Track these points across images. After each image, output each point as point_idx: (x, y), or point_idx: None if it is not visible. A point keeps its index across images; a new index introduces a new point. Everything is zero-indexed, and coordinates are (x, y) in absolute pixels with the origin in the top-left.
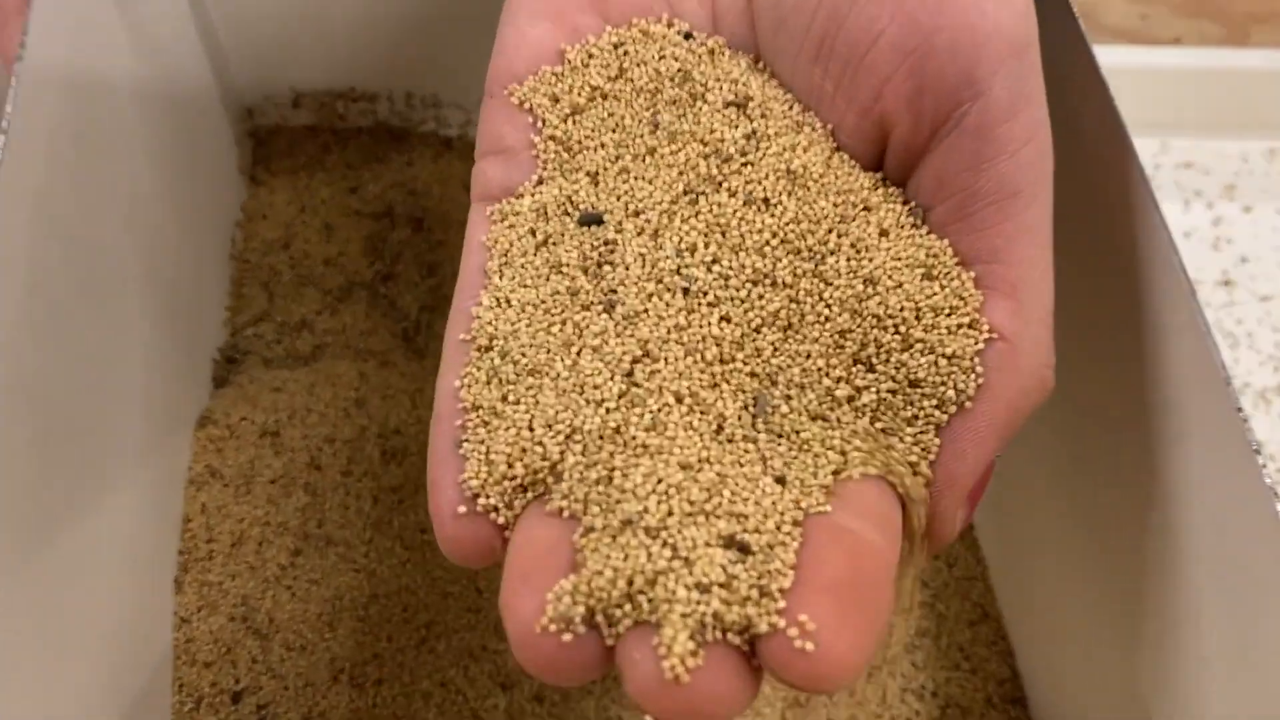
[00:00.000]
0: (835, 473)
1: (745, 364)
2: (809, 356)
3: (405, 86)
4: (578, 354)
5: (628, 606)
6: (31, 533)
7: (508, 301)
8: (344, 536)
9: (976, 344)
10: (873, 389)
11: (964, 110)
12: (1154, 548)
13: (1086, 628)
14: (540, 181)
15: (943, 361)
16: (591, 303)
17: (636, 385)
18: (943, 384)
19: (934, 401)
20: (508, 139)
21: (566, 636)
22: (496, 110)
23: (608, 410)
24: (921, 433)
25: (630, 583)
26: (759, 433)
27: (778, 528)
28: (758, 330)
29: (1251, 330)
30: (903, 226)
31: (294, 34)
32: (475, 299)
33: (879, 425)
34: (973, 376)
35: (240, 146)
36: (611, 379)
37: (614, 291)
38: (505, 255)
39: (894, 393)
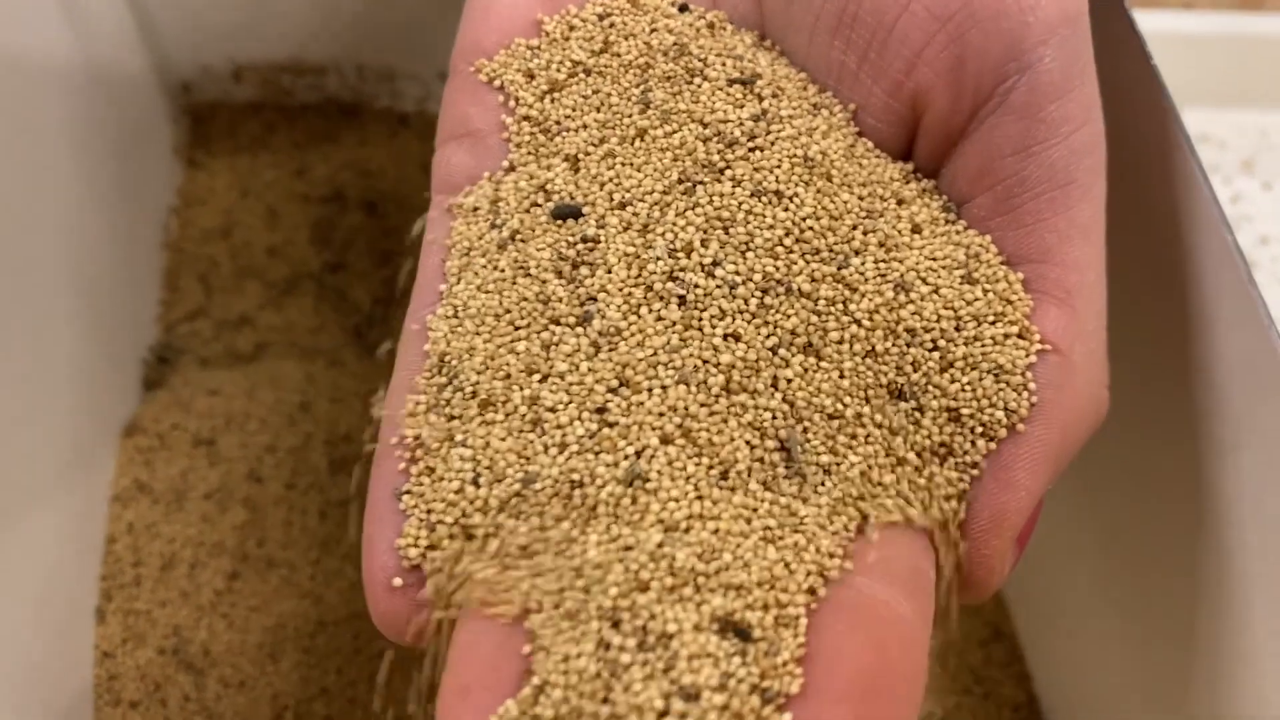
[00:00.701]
0: (863, 520)
1: (759, 395)
2: (835, 382)
3: (357, 58)
4: (541, 380)
5: None
6: None
7: (465, 311)
8: (287, 557)
9: (1028, 356)
10: (908, 420)
11: (1010, 85)
12: (1208, 568)
13: (1118, 651)
14: (511, 169)
15: (989, 380)
16: (563, 315)
17: (610, 424)
18: (990, 405)
19: (979, 428)
20: (474, 121)
21: None
22: (462, 88)
23: (569, 456)
24: (961, 466)
25: (592, 695)
26: (780, 479)
27: (785, 603)
28: (773, 351)
29: (1275, 315)
30: (938, 222)
31: (230, 6)
32: (431, 308)
33: (911, 459)
34: (1025, 395)
35: (175, 125)
36: (578, 416)
37: (592, 300)
38: (466, 256)
39: (934, 421)
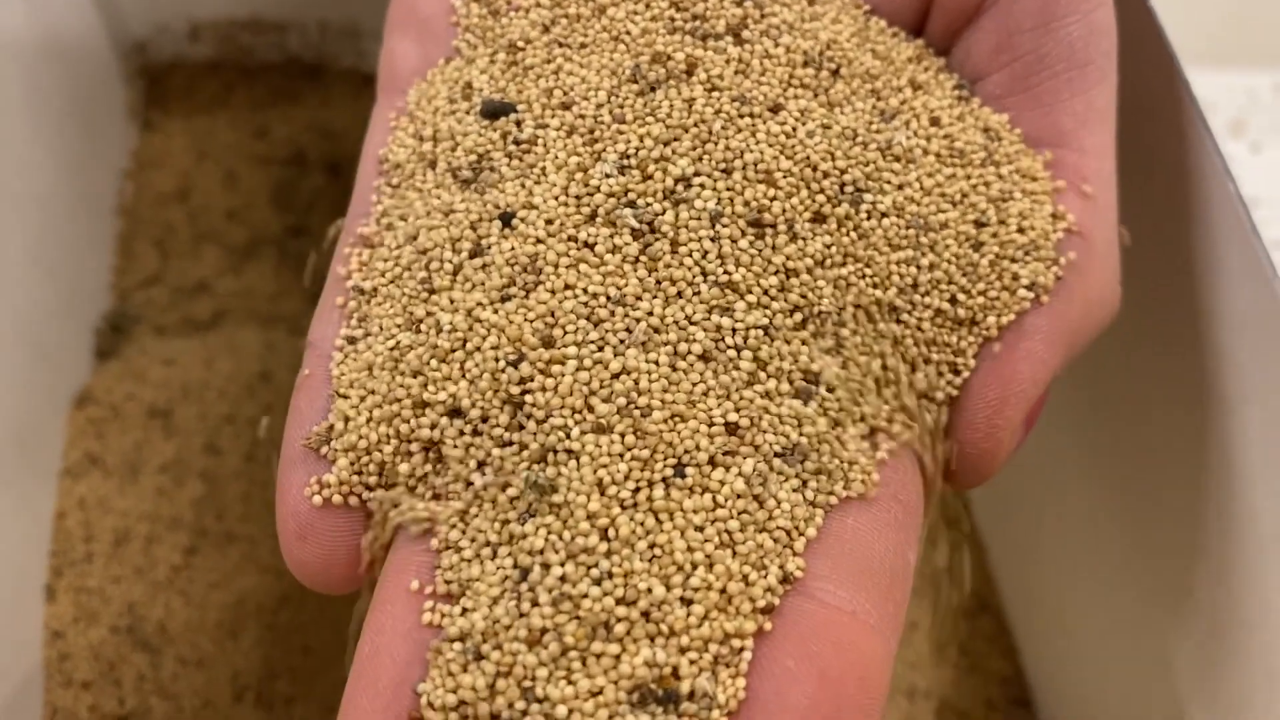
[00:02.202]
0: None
1: (739, 369)
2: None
3: (319, 15)
4: (437, 333)
5: None
6: None
7: (379, 240)
8: (247, 531)
9: (1056, 231)
10: (911, 313)
11: None
12: (1207, 534)
13: (1106, 621)
14: (453, 60)
15: (1015, 251)
16: (469, 239)
17: (518, 404)
18: (1014, 270)
19: (1001, 295)
20: (422, 7)
21: None
22: None
23: (470, 446)
24: (967, 342)
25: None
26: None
27: (731, 634)
28: (770, 324)
29: None
30: (955, 108)
31: None
32: (355, 239)
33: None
34: (1053, 269)
35: (130, 86)
36: (480, 378)
37: (509, 218)
38: (396, 165)
39: (959, 295)
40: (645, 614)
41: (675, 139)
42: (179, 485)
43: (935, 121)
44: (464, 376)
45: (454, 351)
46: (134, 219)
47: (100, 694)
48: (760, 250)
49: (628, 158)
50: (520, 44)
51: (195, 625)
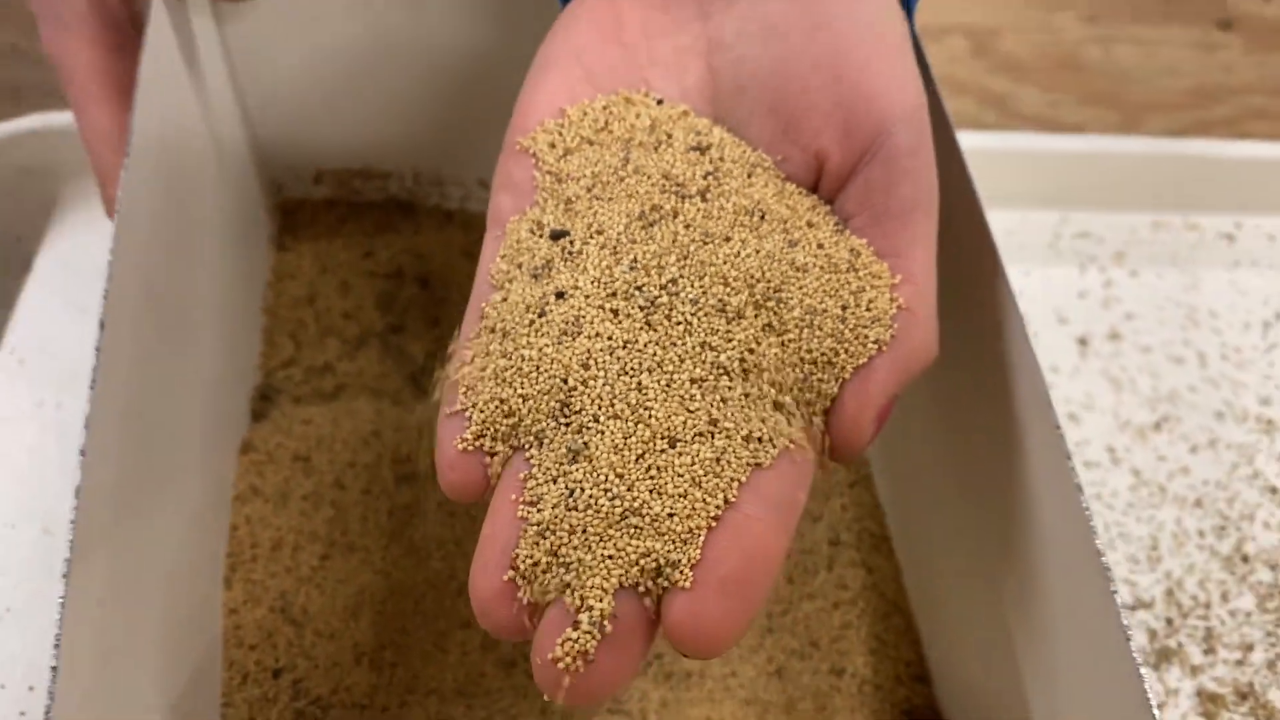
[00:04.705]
0: (770, 437)
1: (707, 384)
2: (776, 354)
3: (413, 166)
4: (525, 349)
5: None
6: (121, 526)
7: (499, 301)
8: (365, 543)
9: (892, 308)
10: (805, 360)
11: (878, 147)
12: (1020, 517)
13: (971, 606)
14: (533, 208)
15: (867, 320)
16: (537, 303)
17: (569, 396)
18: (867, 332)
19: (859, 347)
20: (515, 176)
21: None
22: (510, 158)
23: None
24: (839, 377)
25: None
26: (714, 434)
27: (696, 529)
28: (719, 367)
29: (1134, 377)
30: (833, 235)
31: (317, 121)
32: (483, 299)
33: (804, 383)
34: (889, 330)
35: (271, 217)
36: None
37: (561, 295)
38: (500, 270)
39: (830, 349)
40: (642, 518)
41: (666, 254)
42: (316, 509)
43: (821, 246)
44: (535, 386)
45: (529, 372)
46: (275, 317)
47: (261, 654)
48: (723, 326)
49: (637, 263)
50: (572, 199)
51: (327, 609)
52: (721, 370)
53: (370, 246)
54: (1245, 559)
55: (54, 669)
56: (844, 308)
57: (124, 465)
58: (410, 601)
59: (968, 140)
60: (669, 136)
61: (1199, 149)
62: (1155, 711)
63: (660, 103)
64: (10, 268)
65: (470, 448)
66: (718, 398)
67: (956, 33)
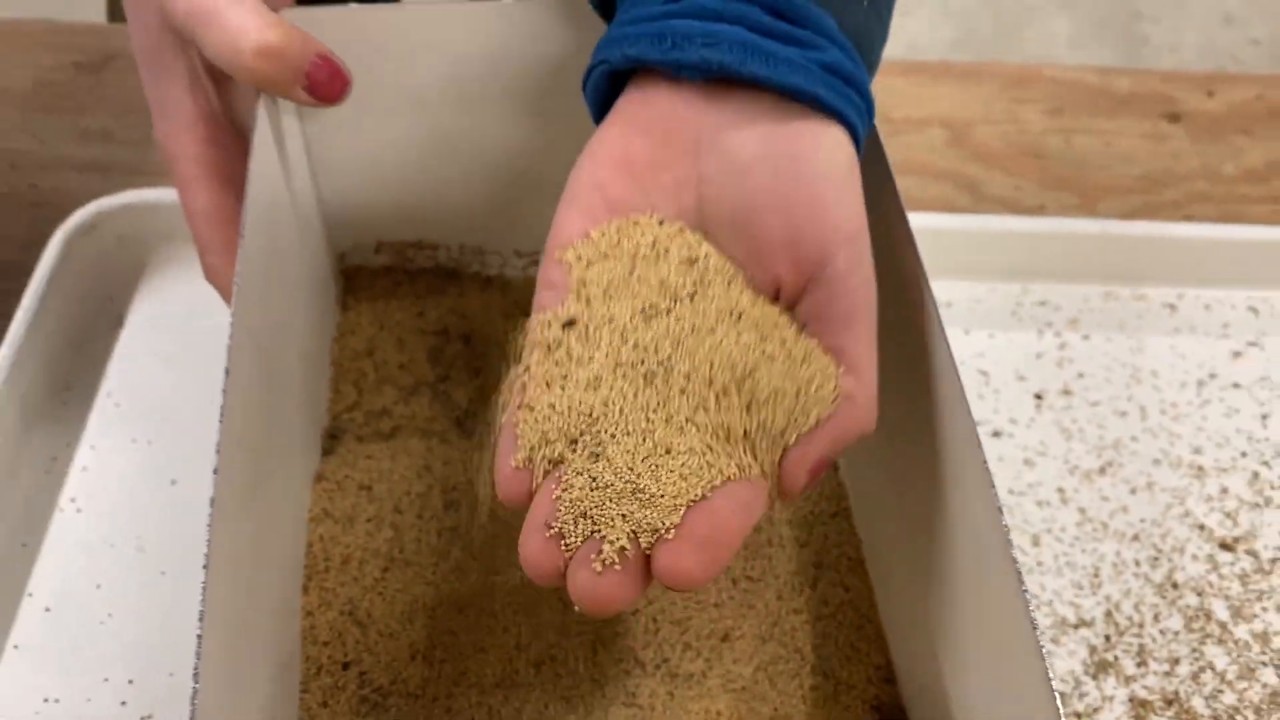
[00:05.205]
0: (725, 480)
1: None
2: (740, 420)
3: (459, 239)
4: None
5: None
6: (234, 536)
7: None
8: (418, 560)
9: (834, 394)
10: (765, 429)
11: (821, 272)
12: (951, 564)
13: (930, 626)
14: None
15: (814, 401)
16: (570, 368)
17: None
18: (812, 409)
19: (805, 420)
20: (553, 277)
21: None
22: (550, 265)
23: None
24: (782, 443)
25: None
26: (697, 454)
27: (679, 506)
28: (706, 423)
29: (1083, 427)
30: (796, 336)
31: (379, 201)
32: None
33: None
34: (830, 409)
35: (336, 281)
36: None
37: (582, 364)
38: (532, 347)
39: (787, 421)
40: (644, 494)
41: (662, 339)
42: (377, 530)
43: (784, 342)
44: (567, 420)
45: (563, 411)
46: (340, 368)
47: (333, 650)
48: (709, 395)
49: (638, 345)
50: (591, 298)
51: (387, 614)
52: (707, 424)
53: (421, 307)
54: (1175, 586)
55: (197, 654)
56: (799, 391)
57: (237, 486)
58: (456, 609)
59: (943, 221)
60: (666, 251)
61: (1147, 229)
62: (1052, 683)
63: (661, 223)
64: (105, 323)
65: (520, 466)
66: (705, 435)
67: (935, 125)
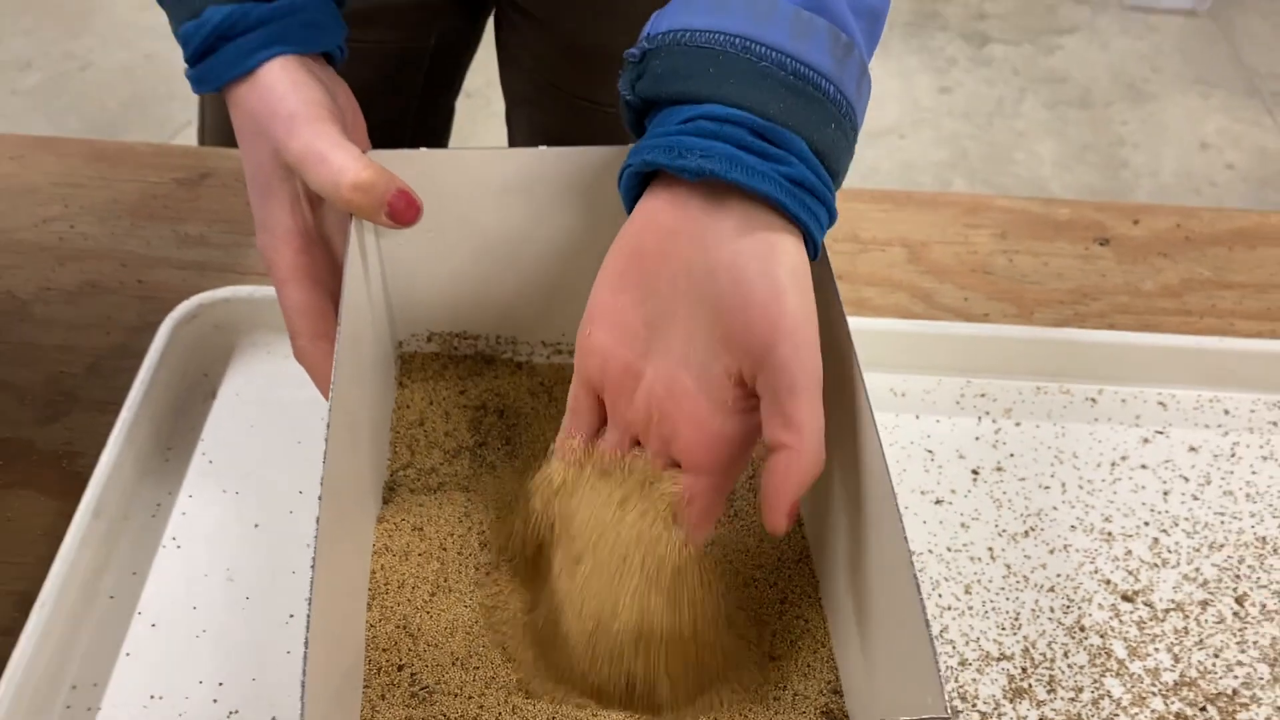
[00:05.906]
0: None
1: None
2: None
3: (495, 332)
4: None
5: None
6: (326, 562)
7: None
8: (459, 588)
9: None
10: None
11: (769, 361)
12: (873, 598)
13: (861, 646)
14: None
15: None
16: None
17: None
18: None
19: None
20: (580, 405)
21: None
22: (577, 384)
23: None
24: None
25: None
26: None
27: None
28: None
29: (1012, 498)
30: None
31: (431, 298)
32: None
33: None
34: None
35: (395, 364)
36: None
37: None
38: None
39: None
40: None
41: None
42: (426, 563)
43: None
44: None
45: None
46: (397, 434)
47: (390, 656)
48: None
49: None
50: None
51: (433, 629)
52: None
53: (464, 386)
54: (1082, 629)
55: (306, 641)
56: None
57: (330, 525)
58: (489, 628)
59: (901, 325)
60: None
61: (1074, 335)
62: (939, 667)
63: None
64: (202, 394)
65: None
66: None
67: (896, 244)
